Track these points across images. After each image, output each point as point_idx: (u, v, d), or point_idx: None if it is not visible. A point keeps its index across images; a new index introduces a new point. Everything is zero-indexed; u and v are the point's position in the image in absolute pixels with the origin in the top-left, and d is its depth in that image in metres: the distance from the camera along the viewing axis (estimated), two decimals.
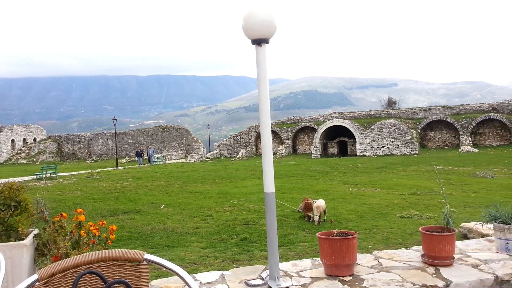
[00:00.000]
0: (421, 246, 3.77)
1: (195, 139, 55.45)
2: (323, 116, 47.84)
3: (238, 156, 43.35)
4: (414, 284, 3.10)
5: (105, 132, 65.57)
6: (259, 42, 3.16)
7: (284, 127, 45.42)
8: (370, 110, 47.30)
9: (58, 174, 26.65)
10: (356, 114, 46.12)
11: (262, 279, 3.37)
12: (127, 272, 1.82)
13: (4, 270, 1.97)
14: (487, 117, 38.88)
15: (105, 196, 15.12)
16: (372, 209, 10.95)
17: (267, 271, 3.42)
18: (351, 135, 40.66)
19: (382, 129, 38.95)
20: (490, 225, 3.91)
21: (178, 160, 46.03)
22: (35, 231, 3.97)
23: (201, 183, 18.68)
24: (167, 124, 62.16)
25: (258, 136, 45.24)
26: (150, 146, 49.56)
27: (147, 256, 1.83)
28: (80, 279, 1.71)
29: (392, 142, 38.08)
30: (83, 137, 60.06)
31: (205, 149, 54.98)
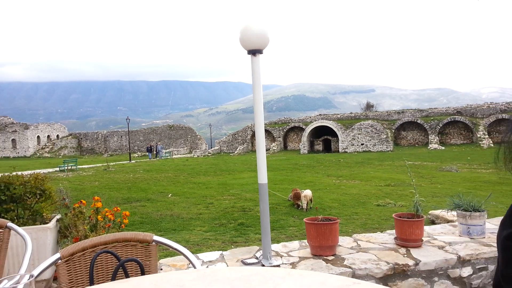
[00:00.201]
0: (394, 230, 3.78)
1: (199, 136, 55.32)
2: (310, 117, 47.79)
3: (236, 152, 43.29)
4: (388, 263, 3.12)
5: (120, 130, 65.30)
6: (254, 52, 3.16)
7: (276, 127, 45.38)
8: (351, 113, 47.30)
9: (78, 166, 26.52)
10: (339, 116, 46.11)
11: (256, 258, 3.38)
12: (138, 252, 1.82)
13: (31, 249, 1.98)
14: (452, 119, 39.02)
15: (119, 186, 15.07)
16: (352, 198, 10.98)
17: (261, 251, 3.42)
18: (334, 134, 40.70)
19: (361, 129, 39.01)
20: (454, 213, 3.93)
21: (184, 155, 45.90)
22: (58, 216, 3.95)
23: (203, 175, 18.65)
24: (174, 124, 61.97)
25: (253, 135, 45.18)
26: (159, 143, 49.40)
27: (156, 237, 1.83)
28: (97, 258, 1.72)
29: (370, 140, 38.15)
30: (100, 134, 59.75)
31: (207, 145, 54.88)
